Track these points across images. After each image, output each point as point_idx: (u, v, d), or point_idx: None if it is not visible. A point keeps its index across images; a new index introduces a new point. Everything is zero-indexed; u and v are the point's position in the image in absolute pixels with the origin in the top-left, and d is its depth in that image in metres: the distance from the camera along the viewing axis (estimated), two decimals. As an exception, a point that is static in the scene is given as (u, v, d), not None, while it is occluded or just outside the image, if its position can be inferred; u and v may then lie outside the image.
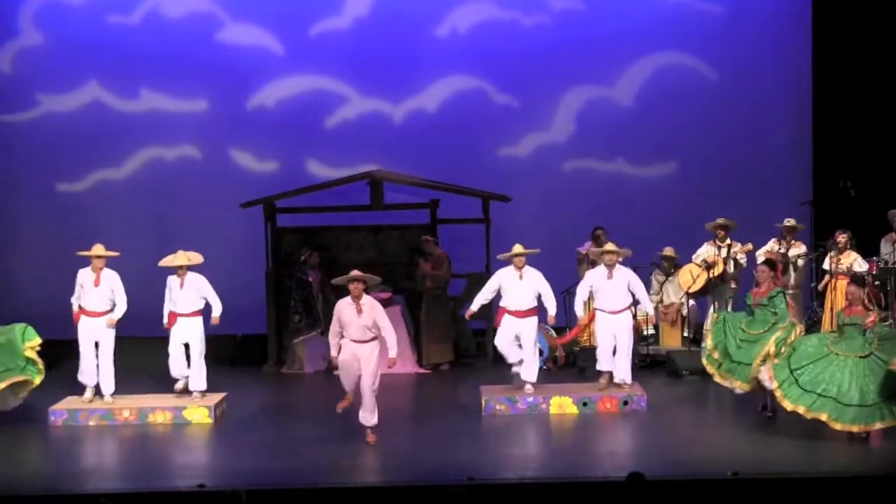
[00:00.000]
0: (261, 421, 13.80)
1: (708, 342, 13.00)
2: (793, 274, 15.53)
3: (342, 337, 12.37)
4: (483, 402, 13.62)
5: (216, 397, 13.98)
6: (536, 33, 18.27)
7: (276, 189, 17.26)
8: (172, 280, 13.94)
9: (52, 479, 11.33)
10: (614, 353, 13.97)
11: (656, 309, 16.24)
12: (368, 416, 12.35)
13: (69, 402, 13.85)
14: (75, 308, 13.94)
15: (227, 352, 16.89)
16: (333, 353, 12.50)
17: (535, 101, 18.30)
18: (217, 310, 13.99)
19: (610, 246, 14.17)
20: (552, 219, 17.77)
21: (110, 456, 12.59)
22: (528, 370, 13.80)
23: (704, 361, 12.97)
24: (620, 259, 14.09)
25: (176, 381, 14.08)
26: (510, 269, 13.88)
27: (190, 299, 13.94)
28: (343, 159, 18.16)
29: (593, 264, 14.96)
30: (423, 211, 17.17)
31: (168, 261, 13.97)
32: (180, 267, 13.84)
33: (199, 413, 13.61)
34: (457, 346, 16.93)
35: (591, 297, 14.31)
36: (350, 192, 17.09)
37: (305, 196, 17.15)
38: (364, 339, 12.32)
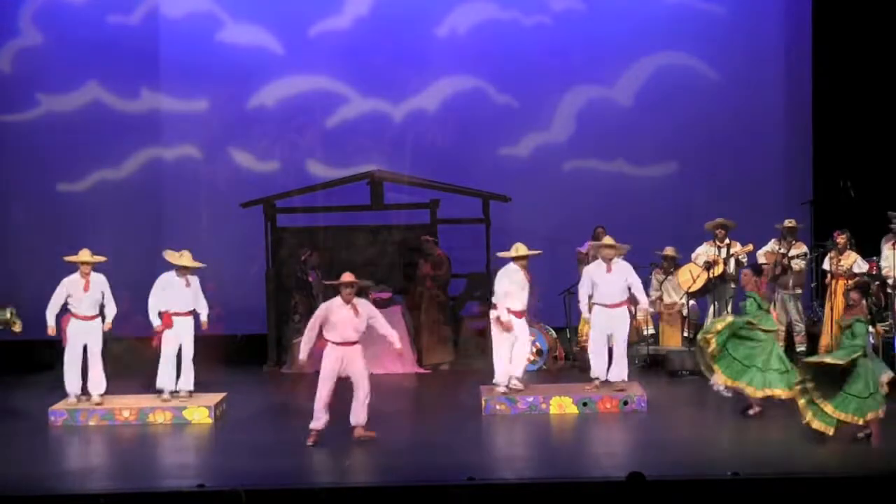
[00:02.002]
0: (261, 421, 13.79)
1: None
2: (792, 275, 15.52)
3: (321, 337, 12.29)
4: (483, 402, 13.62)
5: (216, 397, 13.98)
6: (536, 33, 18.25)
7: (276, 189, 17.26)
8: (172, 277, 13.93)
9: (52, 479, 11.33)
10: (610, 354, 13.97)
11: (655, 306, 16.23)
12: (361, 412, 12.35)
13: (69, 403, 13.83)
14: (51, 322, 13.74)
15: (227, 352, 16.87)
16: (303, 355, 12.28)
17: (535, 101, 18.27)
18: (204, 314, 14.03)
19: (608, 240, 14.17)
20: (552, 219, 17.74)
21: (110, 456, 12.58)
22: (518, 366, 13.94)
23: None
24: (621, 255, 14.10)
25: (161, 391, 13.96)
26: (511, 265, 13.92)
27: (189, 298, 13.95)
28: (343, 159, 18.13)
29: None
30: (423, 211, 17.16)
31: (182, 259, 13.93)
32: (186, 267, 13.86)
33: (199, 413, 13.60)
34: (457, 346, 16.93)
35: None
36: (350, 192, 17.09)
37: (305, 196, 17.15)
38: (353, 340, 12.30)
